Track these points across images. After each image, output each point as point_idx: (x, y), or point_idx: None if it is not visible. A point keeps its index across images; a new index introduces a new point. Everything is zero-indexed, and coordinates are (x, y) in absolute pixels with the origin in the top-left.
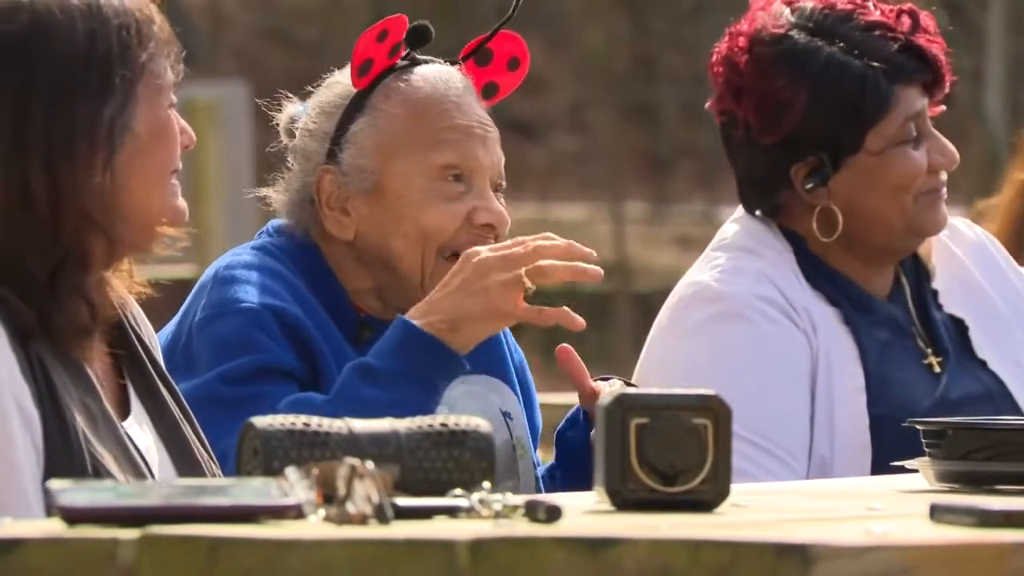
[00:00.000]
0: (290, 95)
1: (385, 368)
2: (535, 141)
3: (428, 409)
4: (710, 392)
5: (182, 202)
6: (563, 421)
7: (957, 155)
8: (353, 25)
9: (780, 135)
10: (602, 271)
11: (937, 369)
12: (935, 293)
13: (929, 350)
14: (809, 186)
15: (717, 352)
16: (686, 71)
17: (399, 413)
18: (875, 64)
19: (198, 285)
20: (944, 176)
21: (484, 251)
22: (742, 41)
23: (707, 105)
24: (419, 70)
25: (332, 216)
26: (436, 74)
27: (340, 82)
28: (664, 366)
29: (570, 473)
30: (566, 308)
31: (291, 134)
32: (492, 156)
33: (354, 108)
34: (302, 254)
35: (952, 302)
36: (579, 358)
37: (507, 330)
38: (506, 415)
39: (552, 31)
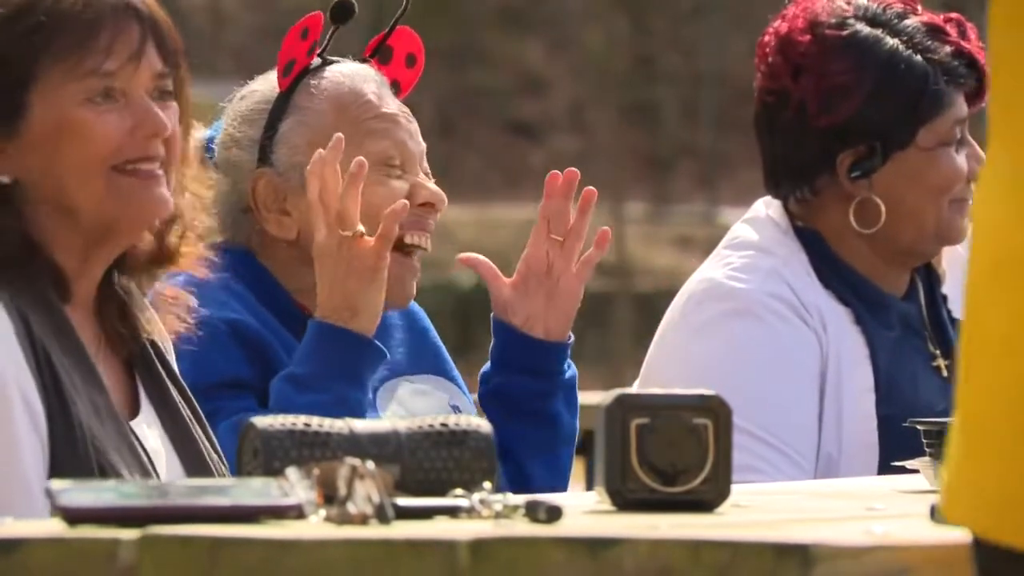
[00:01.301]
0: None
1: (310, 372)
2: (535, 141)
3: (363, 403)
4: (710, 392)
5: (152, 194)
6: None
7: None
8: (353, 25)
9: (835, 119)
10: (363, 160)
11: (945, 372)
12: (944, 298)
13: (937, 352)
14: (854, 175)
15: (728, 349)
16: (686, 71)
17: (338, 412)
18: (935, 62)
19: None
20: (973, 187)
21: (320, 235)
22: (801, 22)
23: (755, 84)
24: (334, 68)
25: (272, 218)
26: (352, 70)
27: (256, 90)
28: (674, 361)
29: (505, 421)
30: (390, 209)
31: (203, 159)
32: (418, 144)
33: (278, 111)
34: (240, 264)
35: (960, 307)
36: (483, 258)
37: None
38: (455, 408)
39: (552, 31)
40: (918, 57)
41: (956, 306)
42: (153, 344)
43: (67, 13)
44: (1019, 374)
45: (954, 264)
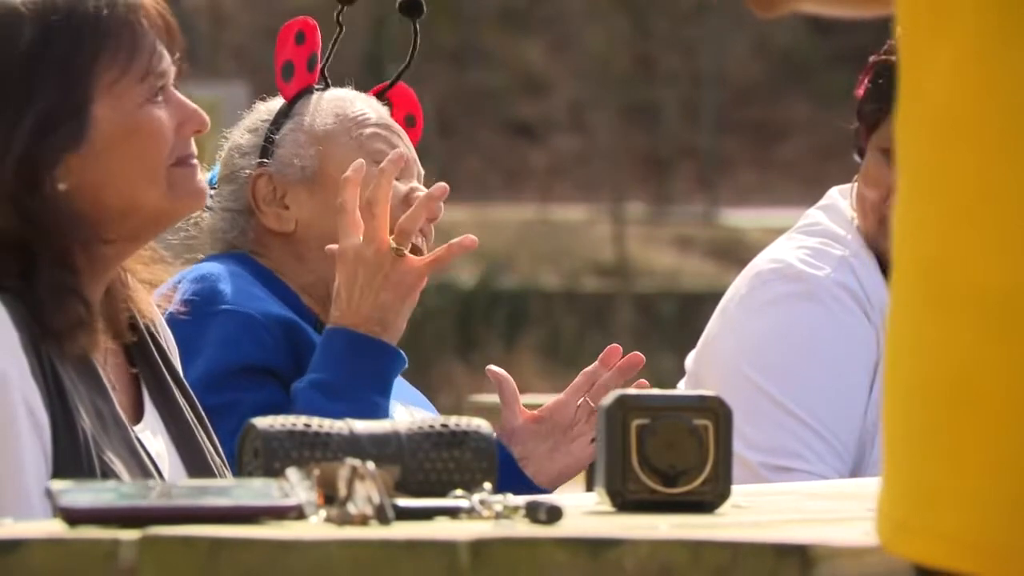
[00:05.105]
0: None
1: (341, 381)
2: (535, 141)
3: (387, 409)
4: (710, 393)
5: (198, 185)
6: None
7: None
8: (353, 25)
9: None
10: (445, 185)
11: None
12: None
13: None
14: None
15: (787, 330)
16: (686, 71)
17: (370, 419)
18: None
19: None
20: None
21: (354, 242)
22: None
23: None
24: (337, 89)
25: (271, 212)
26: (353, 92)
27: (261, 106)
28: (733, 335)
29: None
30: (451, 242)
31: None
32: (414, 156)
33: (281, 117)
34: (245, 265)
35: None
36: (509, 378)
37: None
38: None
39: (552, 32)
40: None
41: None
42: (158, 346)
43: (117, 14)
44: (905, 387)
45: None
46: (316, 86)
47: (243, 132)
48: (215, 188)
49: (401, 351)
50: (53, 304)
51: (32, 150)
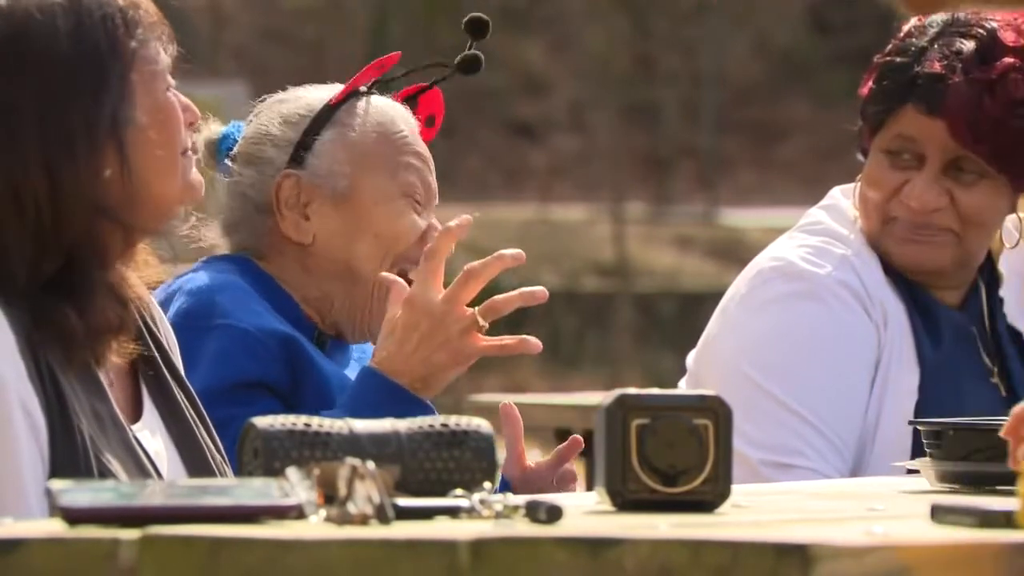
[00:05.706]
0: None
1: None
2: (535, 141)
3: None
4: (710, 392)
5: (195, 177)
6: None
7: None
8: (353, 25)
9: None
10: (546, 291)
11: (1003, 391)
12: (1001, 301)
13: (995, 368)
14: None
15: (788, 328)
16: (686, 71)
17: None
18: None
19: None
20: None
21: (428, 294)
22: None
23: None
24: (379, 98)
25: (291, 218)
26: (396, 106)
27: (302, 96)
28: (733, 335)
29: None
30: (524, 336)
31: (213, 154)
32: (436, 189)
33: (322, 120)
34: (247, 273)
35: (1016, 312)
36: (519, 418)
37: None
38: None
39: (552, 31)
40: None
41: (1010, 311)
42: (158, 344)
43: (144, 10)
44: None
45: (1014, 267)
46: (362, 88)
47: (279, 121)
48: (232, 160)
49: (433, 408)
50: (92, 305)
51: (113, 130)
